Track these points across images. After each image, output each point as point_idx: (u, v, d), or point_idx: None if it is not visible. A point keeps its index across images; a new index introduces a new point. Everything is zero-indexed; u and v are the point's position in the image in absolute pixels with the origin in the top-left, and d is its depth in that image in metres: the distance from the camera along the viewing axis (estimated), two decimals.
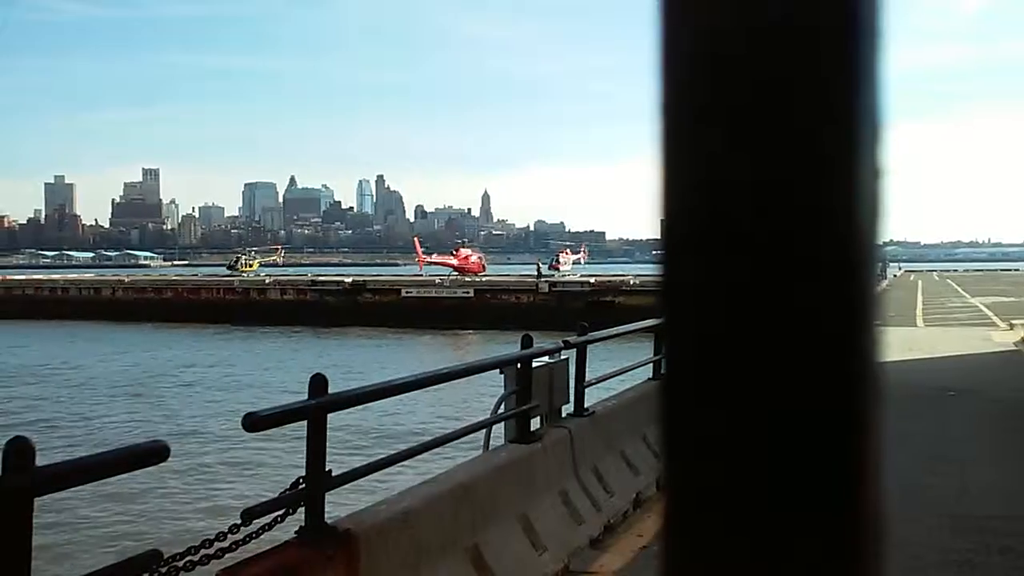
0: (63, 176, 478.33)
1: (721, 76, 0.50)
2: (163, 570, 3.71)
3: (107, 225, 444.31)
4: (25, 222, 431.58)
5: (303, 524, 4.63)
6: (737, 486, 0.50)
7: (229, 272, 64.52)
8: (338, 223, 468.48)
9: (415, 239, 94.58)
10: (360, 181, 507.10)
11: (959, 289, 49.38)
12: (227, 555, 3.95)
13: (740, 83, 0.49)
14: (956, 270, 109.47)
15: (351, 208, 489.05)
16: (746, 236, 0.49)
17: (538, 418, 7.59)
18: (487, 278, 56.51)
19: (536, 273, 56.27)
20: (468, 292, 47.15)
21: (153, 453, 3.52)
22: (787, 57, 0.49)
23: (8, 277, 64.90)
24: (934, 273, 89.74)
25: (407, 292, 47.63)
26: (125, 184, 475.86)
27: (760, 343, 0.49)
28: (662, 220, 0.52)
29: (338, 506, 5.88)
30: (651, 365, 10.54)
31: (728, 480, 0.50)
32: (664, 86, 0.51)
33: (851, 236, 0.49)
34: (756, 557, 0.50)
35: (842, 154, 0.49)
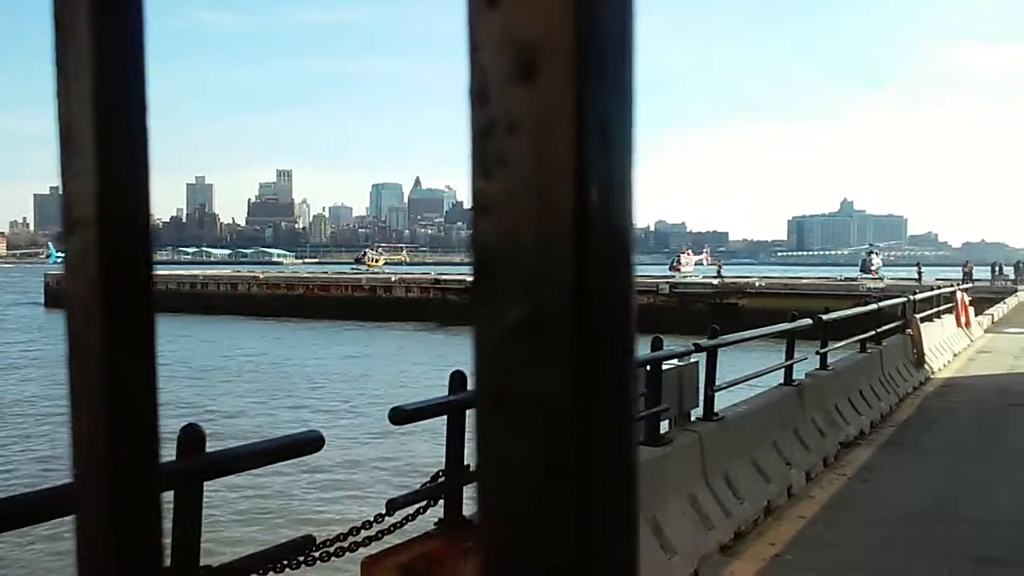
0: (203, 176, 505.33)
1: None
2: (315, 554, 3.91)
3: (243, 224, 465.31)
4: (168, 220, 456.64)
5: (442, 516, 4.79)
6: None
7: (355, 266, 66.09)
8: (460, 223, 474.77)
9: None
10: None
11: None
12: (373, 543, 4.13)
13: None
14: None
15: None
16: None
17: (667, 421, 7.56)
18: None
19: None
20: None
21: (310, 443, 3.73)
22: None
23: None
24: None
25: None
26: (260, 184, 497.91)
27: None
28: None
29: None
30: (782, 370, 10.30)
31: None
32: None
33: None
34: None
35: None
